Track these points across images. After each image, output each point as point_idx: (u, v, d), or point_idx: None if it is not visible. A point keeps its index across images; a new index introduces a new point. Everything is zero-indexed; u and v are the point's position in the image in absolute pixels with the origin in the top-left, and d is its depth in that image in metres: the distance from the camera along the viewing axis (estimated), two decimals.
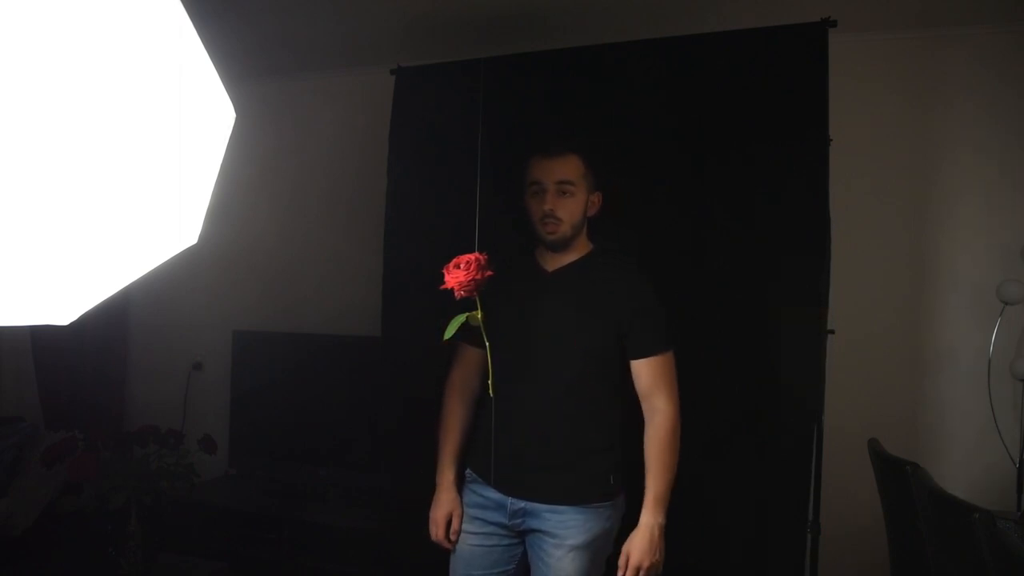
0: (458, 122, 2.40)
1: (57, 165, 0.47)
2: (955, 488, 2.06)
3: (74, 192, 0.48)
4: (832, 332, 2.14)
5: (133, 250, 0.56)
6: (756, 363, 2.17)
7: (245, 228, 3.38)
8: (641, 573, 1.68)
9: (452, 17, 2.78)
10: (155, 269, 0.60)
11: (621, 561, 1.70)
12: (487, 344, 1.70)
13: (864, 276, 2.74)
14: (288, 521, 2.92)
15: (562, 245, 1.82)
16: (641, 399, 1.80)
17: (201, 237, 0.62)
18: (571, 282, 1.83)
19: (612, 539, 1.80)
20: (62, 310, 0.55)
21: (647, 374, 1.79)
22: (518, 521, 1.79)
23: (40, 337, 3.59)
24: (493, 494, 1.81)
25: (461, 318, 1.62)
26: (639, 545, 1.69)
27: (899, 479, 2.12)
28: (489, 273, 1.56)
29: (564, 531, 1.74)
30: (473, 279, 1.54)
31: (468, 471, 1.91)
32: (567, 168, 1.79)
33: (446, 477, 1.89)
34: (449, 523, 1.86)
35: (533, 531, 1.79)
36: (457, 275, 1.54)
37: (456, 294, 1.56)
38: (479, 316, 1.63)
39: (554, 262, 1.85)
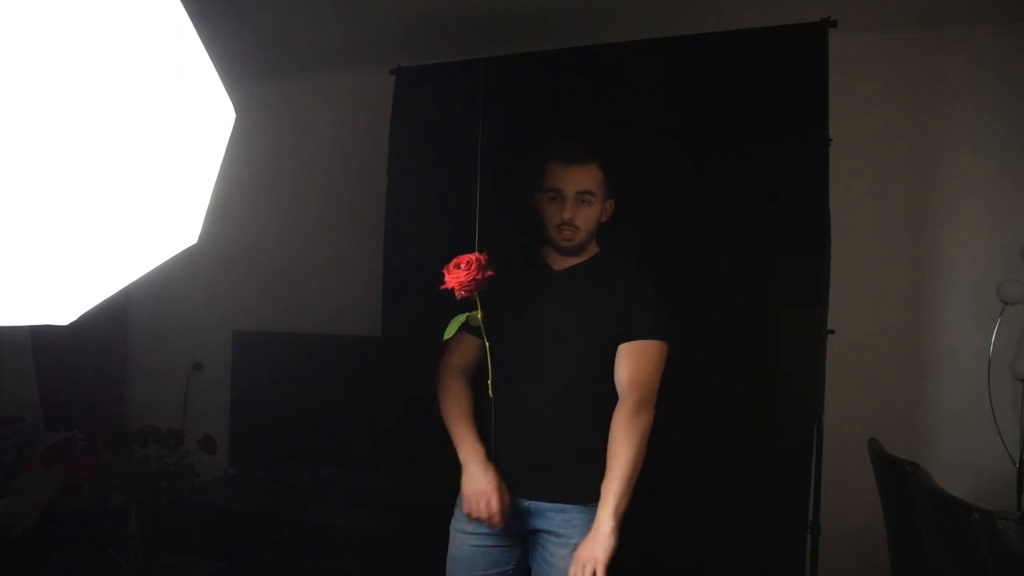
0: (458, 122, 2.40)
1: (57, 165, 0.47)
2: (955, 488, 2.06)
3: (74, 192, 0.48)
4: (832, 332, 2.14)
5: (133, 250, 0.56)
6: (756, 363, 2.17)
7: (245, 228, 3.38)
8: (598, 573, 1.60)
9: (452, 17, 2.78)
10: (155, 269, 0.60)
11: (572, 570, 1.63)
12: (487, 344, 1.70)
13: (864, 276, 2.74)
14: (288, 521, 2.92)
15: (575, 252, 1.84)
16: (616, 385, 1.75)
17: (201, 237, 0.62)
18: (576, 283, 1.83)
19: None
20: (62, 310, 0.55)
21: (624, 357, 1.75)
22: (520, 521, 1.79)
23: (40, 337, 3.59)
24: None
25: (461, 318, 1.62)
26: (580, 547, 1.64)
27: (899, 479, 2.12)
28: (490, 273, 1.56)
29: (568, 530, 1.73)
30: (473, 279, 1.53)
31: None
32: (588, 178, 1.78)
33: (473, 449, 1.78)
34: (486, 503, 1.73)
35: (536, 531, 1.79)
36: (457, 275, 1.54)
37: (456, 294, 1.56)
38: (479, 316, 1.63)
39: (562, 262, 1.86)
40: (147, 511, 2.49)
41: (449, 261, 1.59)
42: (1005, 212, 2.67)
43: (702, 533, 2.21)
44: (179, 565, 2.70)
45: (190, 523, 2.96)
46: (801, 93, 2.14)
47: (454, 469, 1.94)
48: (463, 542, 1.84)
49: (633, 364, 1.74)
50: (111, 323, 3.68)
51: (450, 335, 1.62)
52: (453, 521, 1.88)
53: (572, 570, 1.63)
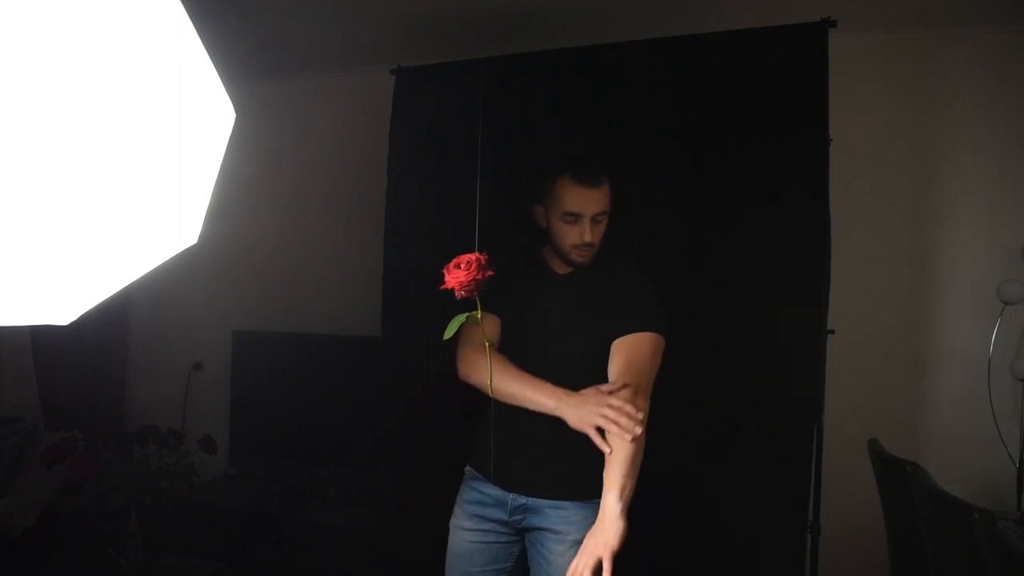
0: (458, 122, 2.40)
1: (57, 165, 0.47)
2: (955, 488, 2.06)
3: (74, 192, 0.48)
4: (832, 332, 2.15)
5: (133, 250, 0.56)
6: (756, 363, 2.17)
7: (245, 228, 3.38)
8: (605, 563, 1.57)
9: (452, 17, 2.78)
10: (155, 269, 0.60)
11: (578, 562, 1.60)
12: (487, 344, 1.70)
13: (864, 276, 2.74)
14: (288, 521, 2.92)
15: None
16: (608, 376, 1.72)
17: (201, 237, 0.62)
18: (576, 285, 1.84)
19: None
20: (62, 310, 0.55)
21: (617, 350, 1.73)
22: (518, 518, 1.79)
23: (40, 337, 3.59)
24: (493, 491, 1.81)
25: (461, 318, 1.61)
26: (587, 539, 1.62)
27: (899, 479, 2.12)
28: (490, 273, 1.56)
29: (566, 526, 1.74)
30: (473, 279, 1.53)
31: (467, 468, 1.91)
32: (604, 199, 1.78)
33: (551, 390, 1.69)
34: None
35: (534, 528, 1.79)
36: (457, 275, 1.54)
37: (456, 294, 1.56)
38: (479, 316, 1.63)
39: (563, 266, 1.86)
40: (147, 511, 2.49)
41: (449, 261, 1.59)
42: (1005, 212, 2.67)
43: (702, 533, 2.21)
44: (179, 565, 2.70)
45: (190, 523, 2.96)
46: (801, 93, 2.14)
47: (454, 469, 1.95)
48: (462, 538, 1.84)
49: (626, 353, 1.72)
50: (111, 323, 3.68)
51: (450, 335, 1.62)
52: (453, 518, 1.88)
53: (578, 562, 1.59)
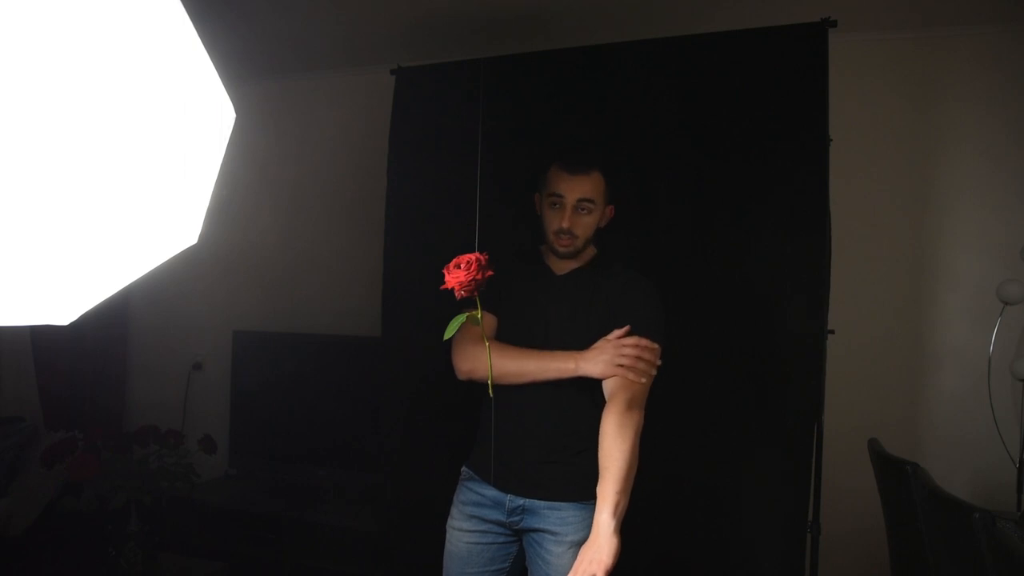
0: (458, 122, 2.39)
1: (57, 165, 0.47)
2: (955, 488, 2.06)
3: (74, 192, 0.48)
4: (832, 332, 2.15)
5: (133, 250, 0.56)
6: (756, 363, 2.17)
7: (245, 228, 3.39)
8: None
9: (452, 17, 2.78)
10: (155, 269, 0.60)
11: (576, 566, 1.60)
12: (487, 344, 1.71)
13: (864, 276, 2.75)
14: (288, 521, 2.92)
15: (572, 257, 1.85)
16: (603, 386, 1.73)
17: (201, 237, 0.62)
18: (575, 287, 1.84)
19: None
20: (62, 310, 0.55)
21: None
22: (516, 519, 1.79)
23: (40, 337, 3.59)
24: (491, 492, 1.81)
25: (461, 318, 1.61)
26: (582, 551, 1.61)
27: (899, 479, 2.12)
28: (489, 273, 1.56)
29: (564, 528, 1.74)
30: (473, 279, 1.53)
31: (465, 468, 1.91)
32: (589, 187, 1.78)
33: (564, 354, 1.74)
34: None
35: (532, 530, 1.79)
36: (457, 275, 1.54)
37: (456, 294, 1.56)
38: (479, 316, 1.63)
39: (562, 267, 1.87)
40: (147, 511, 2.50)
41: (449, 261, 1.59)
42: (1005, 212, 2.67)
43: (702, 533, 2.21)
44: (179, 565, 2.70)
45: (190, 523, 2.96)
46: (801, 93, 2.14)
47: (454, 469, 1.95)
48: (460, 540, 1.84)
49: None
50: (111, 323, 3.68)
51: (450, 335, 1.62)
52: (450, 519, 1.88)
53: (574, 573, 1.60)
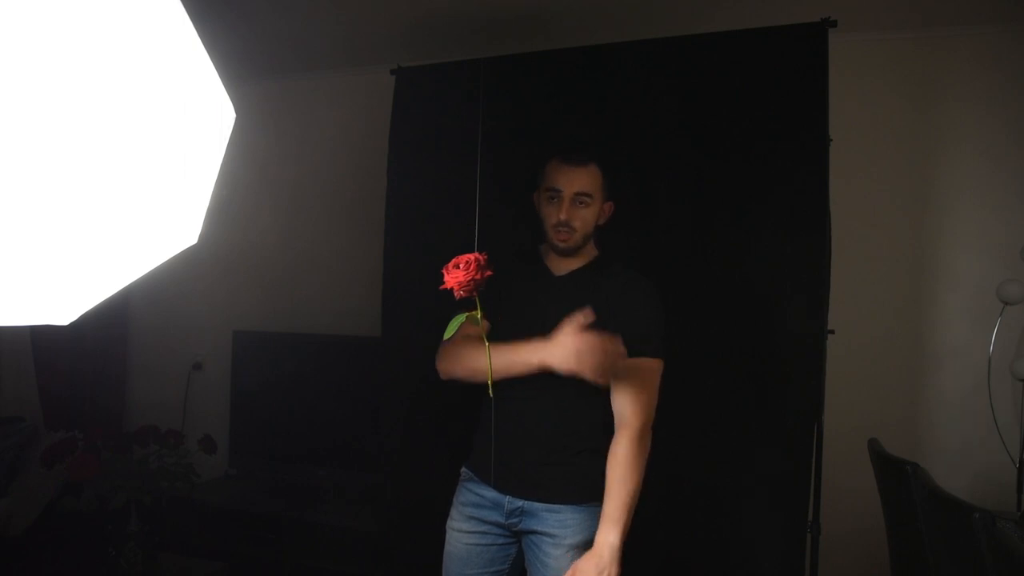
0: (458, 122, 2.40)
1: (57, 165, 0.47)
2: (955, 488, 2.06)
3: (74, 192, 0.48)
4: (832, 332, 2.15)
5: (133, 250, 0.56)
6: (756, 363, 2.17)
7: (245, 228, 3.39)
8: None
9: (452, 17, 2.78)
10: (155, 269, 0.60)
11: None
12: (487, 344, 1.70)
13: (864, 276, 2.75)
14: (288, 521, 2.92)
15: (572, 253, 1.83)
16: (612, 404, 1.72)
17: (201, 237, 0.62)
18: (575, 287, 1.83)
19: None
20: (62, 310, 0.55)
21: (627, 380, 1.71)
22: (515, 520, 1.79)
23: (40, 337, 3.59)
24: (490, 493, 1.81)
25: (461, 318, 1.61)
26: (584, 567, 1.63)
27: (899, 479, 2.12)
28: (489, 273, 1.56)
29: (562, 530, 1.74)
30: (473, 279, 1.53)
31: (464, 469, 1.91)
32: (587, 179, 1.78)
33: (536, 342, 1.63)
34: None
35: (531, 531, 1.79)
36: (457, 275, 1.54)
37: (456, 294, 1.56)
38: (479, 316, 1.63)
39: (561, 266, 1.86)
40: (147, 511, 2.50)
41: (449, 261, 1.59)
42: (1005, 212, 2.67)
43: (702, 533, 2.21)
44: (179, 565, 2.70)
45: (190, 523, 2.96)
46: (801, 93, 2.14)
47: (454, 470, 1.95)
48: (459, 540, 1.84)
49: (637, 389, 1.69)
50: (111, 323, 3.68)
51: (450, 335, 1.62)
52: (449, 520, 1.88)
53: None
